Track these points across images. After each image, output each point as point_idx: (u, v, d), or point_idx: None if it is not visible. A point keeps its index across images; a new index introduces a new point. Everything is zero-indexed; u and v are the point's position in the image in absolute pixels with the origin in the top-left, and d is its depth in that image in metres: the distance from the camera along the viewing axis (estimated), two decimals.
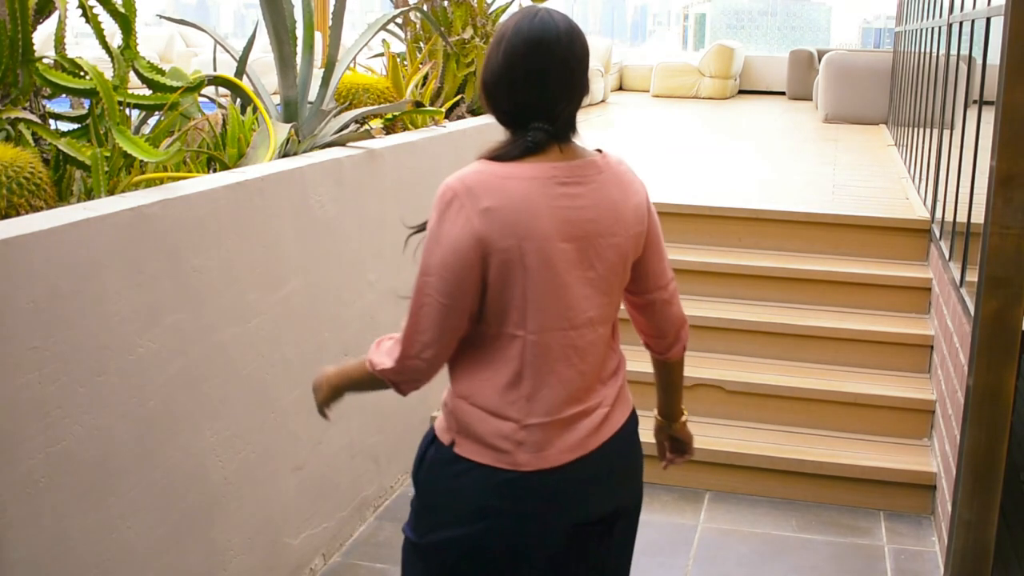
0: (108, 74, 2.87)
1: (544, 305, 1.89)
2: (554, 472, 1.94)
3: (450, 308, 1.88)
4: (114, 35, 2.99)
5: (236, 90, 3.82)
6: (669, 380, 2.28)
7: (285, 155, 3.52)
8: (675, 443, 2.40)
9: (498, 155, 1.90)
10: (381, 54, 4.91)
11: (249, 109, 3.73)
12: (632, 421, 2.12)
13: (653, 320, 2.13)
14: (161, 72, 3.09)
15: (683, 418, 2.35)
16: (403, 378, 1.98)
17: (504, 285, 1.88)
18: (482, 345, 1.95)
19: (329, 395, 2.17)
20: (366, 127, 4.14)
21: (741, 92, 14.51)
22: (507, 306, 1.89)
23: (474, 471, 1.95)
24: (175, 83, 3.06)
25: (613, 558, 2.14)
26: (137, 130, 3.15)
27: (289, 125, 3.59)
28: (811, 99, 12.96)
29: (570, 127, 1.94)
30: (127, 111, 2.91)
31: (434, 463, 2.02)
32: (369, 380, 2.05)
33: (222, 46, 4.05)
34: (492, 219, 1.84)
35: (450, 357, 1.97)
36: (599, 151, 1.99)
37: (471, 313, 1.91)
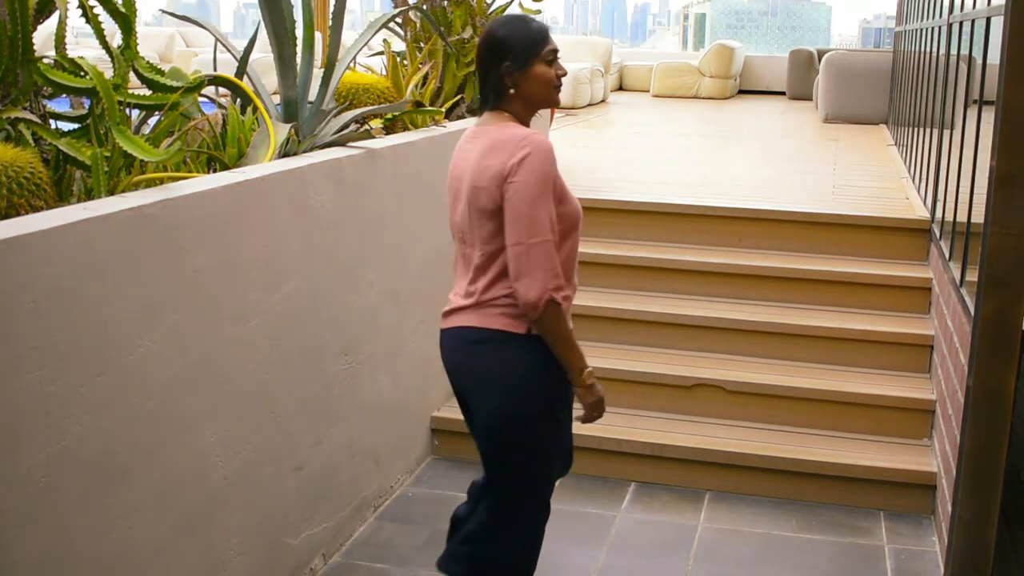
0: (108, 74, 2.87)
1: (451, 223, 2.79)
2: (441, 332, 2.84)
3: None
4: (114, 35, 2.99)
5: (236, 90, 3.82)
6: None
7: (285, 155, 3.52)
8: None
9: None
10: (381, 53, 4.91)
11: (249, 109, 3.73)
12: (467, 333, 2.71)
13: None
14: (161, 72, 3.09)
15: (580, 377, 2.70)
16: None
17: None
18: None
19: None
20: (366, 127, 4.14)
21: (741, 92, 14.51)
22: None
23: None
24: (175, 83, 3.06)
25: (478, 436, 2.83)
26: (137, 130, 3.15)
27: (289, 125, 3.59)
28: (811, 99, 12.96)
29: (485, 102, 2.74)
30: (127, 111, 2.91)
31: None
32: None
33: (223, 43, 4.05)
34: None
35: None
36: (506, 124, 2.65)
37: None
